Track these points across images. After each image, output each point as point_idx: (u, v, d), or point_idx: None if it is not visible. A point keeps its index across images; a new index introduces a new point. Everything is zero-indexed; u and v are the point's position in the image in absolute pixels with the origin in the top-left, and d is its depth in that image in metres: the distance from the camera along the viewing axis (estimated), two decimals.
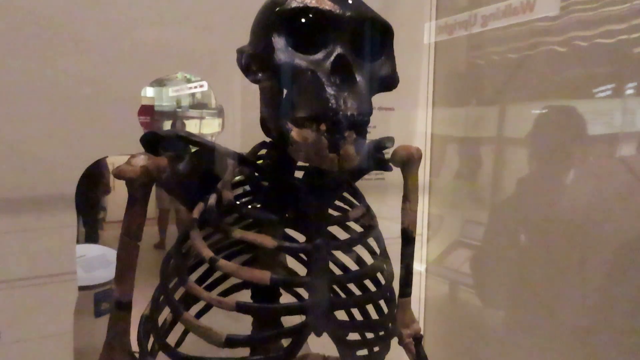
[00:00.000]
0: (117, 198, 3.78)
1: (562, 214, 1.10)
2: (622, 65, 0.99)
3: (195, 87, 3.88)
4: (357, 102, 0.48)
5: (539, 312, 1.14)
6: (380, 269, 0.62)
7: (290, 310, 0.55)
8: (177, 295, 0.59)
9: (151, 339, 0.60)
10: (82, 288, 1.01)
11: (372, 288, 0.63)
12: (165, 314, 0.63)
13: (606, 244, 1.02)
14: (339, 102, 0.47)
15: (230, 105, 1.09)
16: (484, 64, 1.34)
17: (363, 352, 0.60)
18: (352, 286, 0.65)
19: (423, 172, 1.46)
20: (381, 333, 0.62)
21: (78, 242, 1.13)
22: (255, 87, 0.57)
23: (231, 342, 0.52)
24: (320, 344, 0.67)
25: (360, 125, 0.49)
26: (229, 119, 1.11)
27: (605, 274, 1.02)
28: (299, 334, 0.55)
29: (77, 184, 0.95)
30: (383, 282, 0.64)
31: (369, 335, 0.62)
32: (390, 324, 0.65)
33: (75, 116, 0.94)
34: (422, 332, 0.77)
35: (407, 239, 0.72)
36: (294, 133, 0.49)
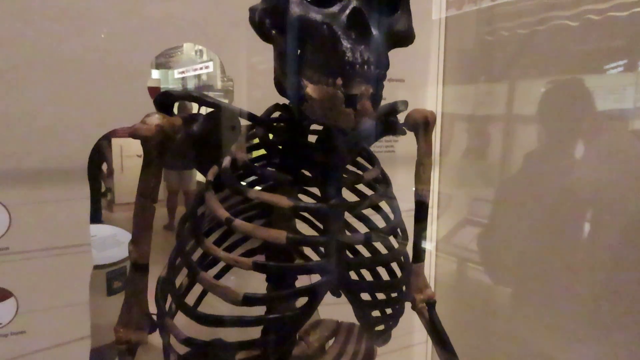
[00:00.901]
0: (125, 180, 3.81)
1: (572, 191, 1.10)
2: (636, 39, 0.97)
3: (201, 69, 3.87)
4: (373, 56, 0.47)
5: (547, 288, 1.14)
6: (395, 232, 0.62)
7: (306, 269, 0.55)
8: (194, 257, 0.59)
9: (168, 301, 0.61)
10: (94, 267, 1.03)
11: (386, 251, 0.63)
12: (181, 278, 0.64)
13: (616, 219, 1.01)
14: (355, 55, 0.46)
15: (240, 79, 1.08)
16: (494, 40, 1.31)
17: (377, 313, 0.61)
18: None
19: (433, 150, 1.45)
20: (395, 294, 0.62)
21: None
22: (266, 59, 0.56)
23: (248, 300, 0.53)
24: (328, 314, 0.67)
25: (377, 79, 0.48)
26: (238, 93, 1.11)
27: (614, 250, 1.02)
28: (315, 293, 0.55)
29: (89, 157, 0.95)
30: (397, 245, 0.64)
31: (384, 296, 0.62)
32: (403, 287, 0.65)
33: (85, 88, 0.94)
34: (435, 298, 0.77)
35: (421, 204, 0.72)
36: (309, 89, 0.49)
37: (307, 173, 0.59)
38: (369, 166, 0.66)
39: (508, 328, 1.24)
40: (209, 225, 0.62)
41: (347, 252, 0.58)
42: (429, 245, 1.47)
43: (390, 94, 1.02)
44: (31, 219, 0.93)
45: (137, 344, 0.64)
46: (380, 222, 0.65)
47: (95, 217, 3.02)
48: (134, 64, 0.97)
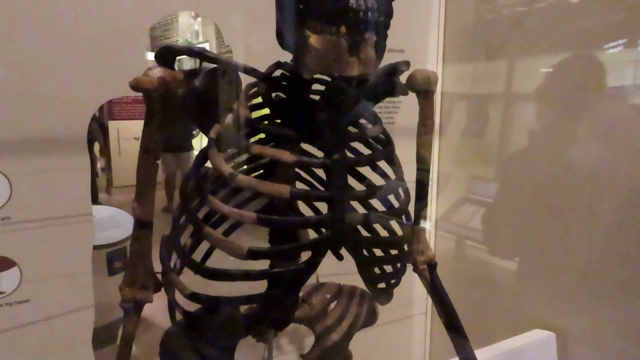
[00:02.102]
0: (123, 163, 3.80)
1: (571, 167, 1.10)
2: (636, 15, 0.96)
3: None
4: (377, 2, 0.47)
5: (546, 263, 1.15)
6: (397, 188, 0.62)
7: (310, 223, 0.55)
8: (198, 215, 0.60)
9: (173, 258, 0.61)
10: (94, 247, 1.03)
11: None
12: (185, 239, 0.64)
13: (614, 194, 1.02)
14: (359, 2, 0.46)
15: (238, 47, 1.07)
16: (494, 18, 1.30)
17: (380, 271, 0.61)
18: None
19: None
20: (397, 252, 0.63)
21: None
22: (266, 27, 0.55)
23: (253, 254, 0.53)
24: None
25: (380, 27, 0.48)
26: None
27: (613, 225, 1.03)
28: (318, 248, 0.55)
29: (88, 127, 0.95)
30: (398, 204, 0.64)
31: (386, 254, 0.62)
32: (405, 246, 0.66)
33: (84, 57, 0.93)
34: (435, 260, 0.78)
35: (422, 165, 0.72)
36: (313, 39, 0.48)
37: (309, 129, 0.59)
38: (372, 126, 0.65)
39: (507, 301, 1.26)
40: (212, 186, 0.62)
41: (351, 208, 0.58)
42: (428, 224, 1.48)
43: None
44: (32, 189, 0.93)
45: (143, 302, 0.65)
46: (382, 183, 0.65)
47: (92, 198, 3.03)
48: (132, 32, 0.96)
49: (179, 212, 0.60)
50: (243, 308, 0.63)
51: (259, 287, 0.59)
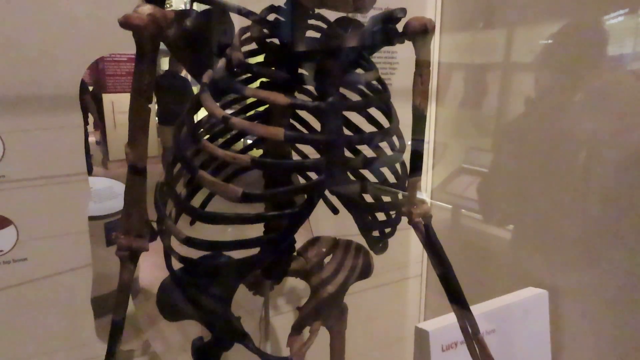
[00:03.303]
0: (118, 137, 3.77)
1: (568, 135, 1.10)
2: None
3: None
4: None
5: (541, 227, 1.16)
6: (393, 135, 0.62)
7: (304, 166, 0.55)
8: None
9: (169, 206, 0.61)
10: (91, 218, 1.03)
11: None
12: (180, 188, 0.64)
13: (610, 160, 1.02)
14: None
15: None
16: None
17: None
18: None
19: (429, 99, 1.44)
20: (392, 200, 0.63)
21: None
22: None
23: (247, 197, 0.53)
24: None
25: None
26: None
27: (608, 189, 1.04)
28: (313, 191, 0.55)
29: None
30: (396, 148, 0.64)
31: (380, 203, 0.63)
32: (400, 194, 0.66)
33: (74, 9, 0.91)
34: (431, 213, 0.78)
35: (418, 115, 0.71)
36: None
37: (304, 72, 0.58)
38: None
39: (501, 262, 1.27)
40: (205, 133, 0.62)
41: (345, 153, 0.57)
42: (424, 194, 1.49)
43: None
44: (25, 147, 0.92)
45: (139, 251, 0.65)
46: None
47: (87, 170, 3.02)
48: None
49: (172, 157, 0.60)
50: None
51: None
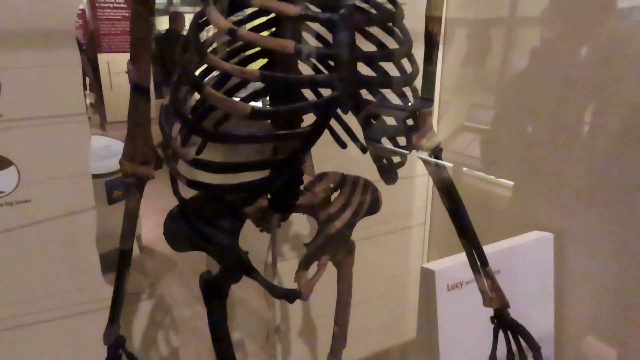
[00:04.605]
0: (115, 98, 3.71)
1: (573, 88, 1.08)
2: None
3: None
4: None
5: (546, 176, 1.15)
6: (407, 54, 0.59)
7: (316, 82, 0.53)
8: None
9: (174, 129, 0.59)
10: (92, 177, 1.01)
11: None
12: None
13: (617, 110, 1.00)
14: None
15: None
16: None
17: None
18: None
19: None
20: (403, 122, 0.61)
21: None
22: None
23: (256, 113, 0.51)
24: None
25: None
26: None
27: (614, 140, 1.02)
28: (325, 109, 0.53)
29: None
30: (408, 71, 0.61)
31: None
32: (410, 121, 0.64)
33: None
34: (441, 146, 0.77)
35: (431, 42, 0.68)
36: None
37: None
38: None
39: (505, 225, 1.27)
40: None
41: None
42: (427, 155, 1.47)
43: None
44: (22, 85, 0.90)
45: (144, 178, 0.64)
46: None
47: None
48: None
49: (176, 77, 0.57)
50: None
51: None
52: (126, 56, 0.56)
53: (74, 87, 0.94)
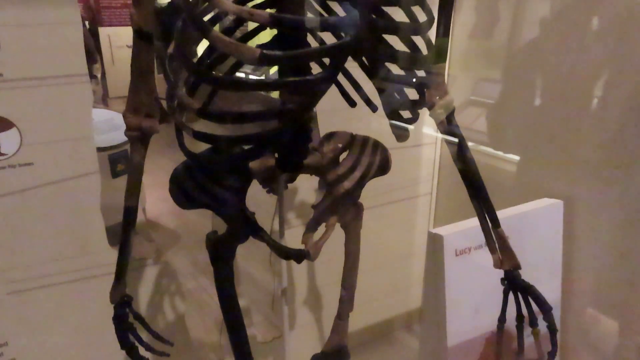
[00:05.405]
0: (117, 72, 3.67)
1: (581, 62, 1.06)
2: None
3: None
4: None
5: (552, 153, 1.14)
6: (419, 1, 0.56)
7: (328, 25, 0.50)
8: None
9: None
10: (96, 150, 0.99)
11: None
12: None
13: (627, 78, 0.98)
14: None
15: None
16: None
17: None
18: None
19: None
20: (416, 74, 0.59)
21: None
22: None
23: (266, 57, 0.49)
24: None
25: None
26: None
27: (622, 113, 1.00)
28: (335, 54, 0.51)
29: None
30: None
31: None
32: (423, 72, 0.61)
33: None
34: (454, 104, 0.74)
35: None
36: None
37: None
38: None
39: (510, 195, 1.25)
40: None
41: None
42: (433, 135, 1.45)
43: None
44: (22, 44, 0.87)
45: (149, 132, 0.62)
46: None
47: None
48: None
49: (181, 22, 0.55)
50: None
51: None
52: (127, 30, 0.53)
53: (74, 47, 0.91)
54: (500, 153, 1.33)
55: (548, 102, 1.17)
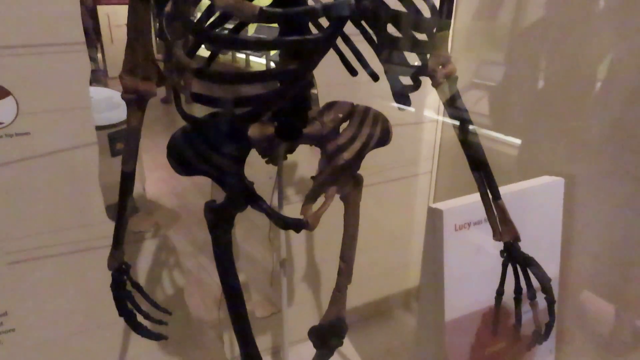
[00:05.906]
0: (116, 52, 3.62)
1: (585, 42, 1.04)
2: None
3: None
4: None
5: (554, 132, 1.13)
6: None
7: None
8: None
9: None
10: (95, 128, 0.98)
11: None
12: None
13: (631, 59, 0.97)
14: None
15: None
16: None
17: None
18: None
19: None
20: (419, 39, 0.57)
21: None
22: None
23: (265, 13, 0.47)
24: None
25: None
26: None
27: (625, 93, 0.99)
28: (338, 13, 0.50)
29: None
30: None
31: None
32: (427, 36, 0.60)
33: None
34: (457, 73, 0.73)
35: None
36: None
37: None
38: None
39: (518, 154, 1.25)
40: None
41: None
42: (433, 114, 1.43)
43: None
44: (17, 11, 0.85)
45: (146, 95, 0.61)
46: None
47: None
48: None
49: None
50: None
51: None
52: (126, 8, 0.52)
53: (71, 14, 0.89)
54: (502, 132, 1.32)
55: (551, 82, 1.15)
